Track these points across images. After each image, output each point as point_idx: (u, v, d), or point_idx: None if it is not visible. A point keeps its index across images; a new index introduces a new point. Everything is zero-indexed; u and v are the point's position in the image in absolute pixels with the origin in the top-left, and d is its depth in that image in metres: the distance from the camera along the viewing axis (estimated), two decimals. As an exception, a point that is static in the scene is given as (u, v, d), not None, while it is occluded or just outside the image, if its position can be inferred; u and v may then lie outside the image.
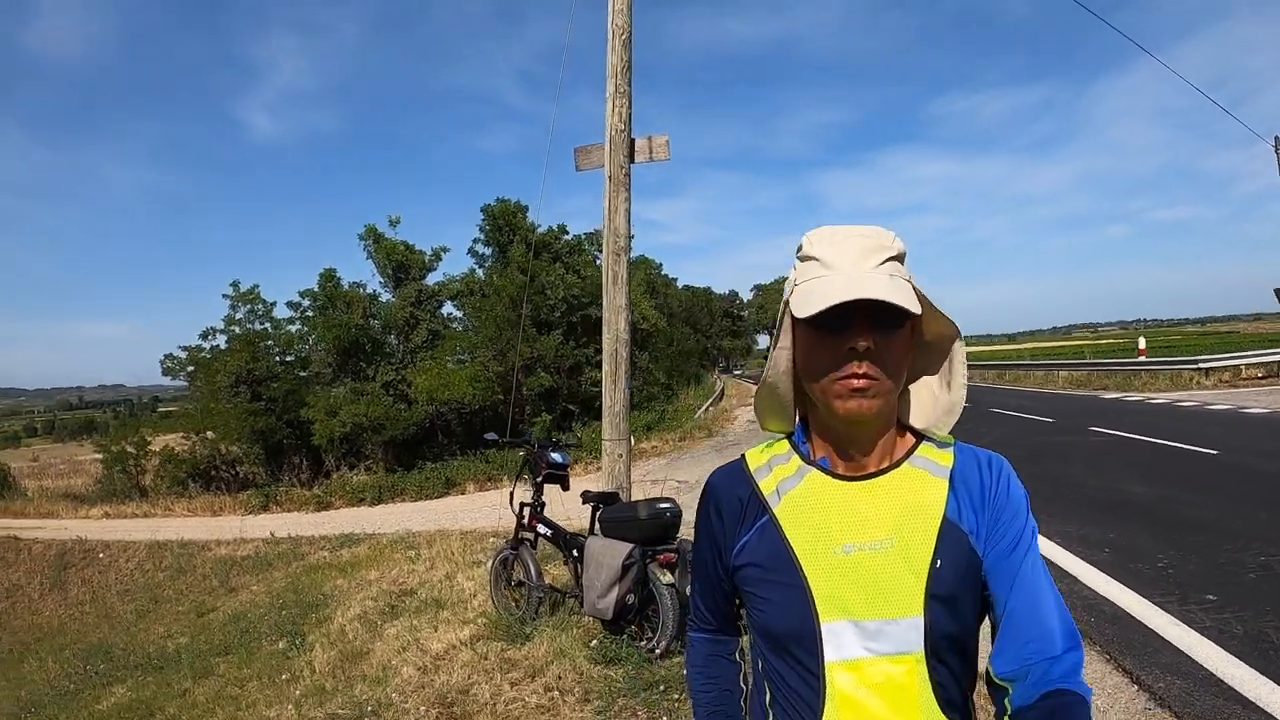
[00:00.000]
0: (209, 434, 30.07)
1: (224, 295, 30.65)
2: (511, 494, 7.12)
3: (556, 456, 6.93)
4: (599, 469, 8.36)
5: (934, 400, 1.43)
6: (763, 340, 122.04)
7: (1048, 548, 7.67)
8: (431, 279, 32.44)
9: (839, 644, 1.29)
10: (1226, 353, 26.14)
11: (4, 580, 20.05)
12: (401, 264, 31.49)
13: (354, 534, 15.92)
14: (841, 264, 1.30)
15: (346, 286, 31.22)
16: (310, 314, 31.13)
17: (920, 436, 1.42)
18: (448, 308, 33.17)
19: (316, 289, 31.02)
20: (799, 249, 1.38)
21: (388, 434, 27.74)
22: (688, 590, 1.60)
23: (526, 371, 26.48)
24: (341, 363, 29.81)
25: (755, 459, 1.45)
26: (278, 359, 30.91)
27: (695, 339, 70.36)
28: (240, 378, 28.73)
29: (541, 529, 6.92)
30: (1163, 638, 5.30)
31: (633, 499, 7.25)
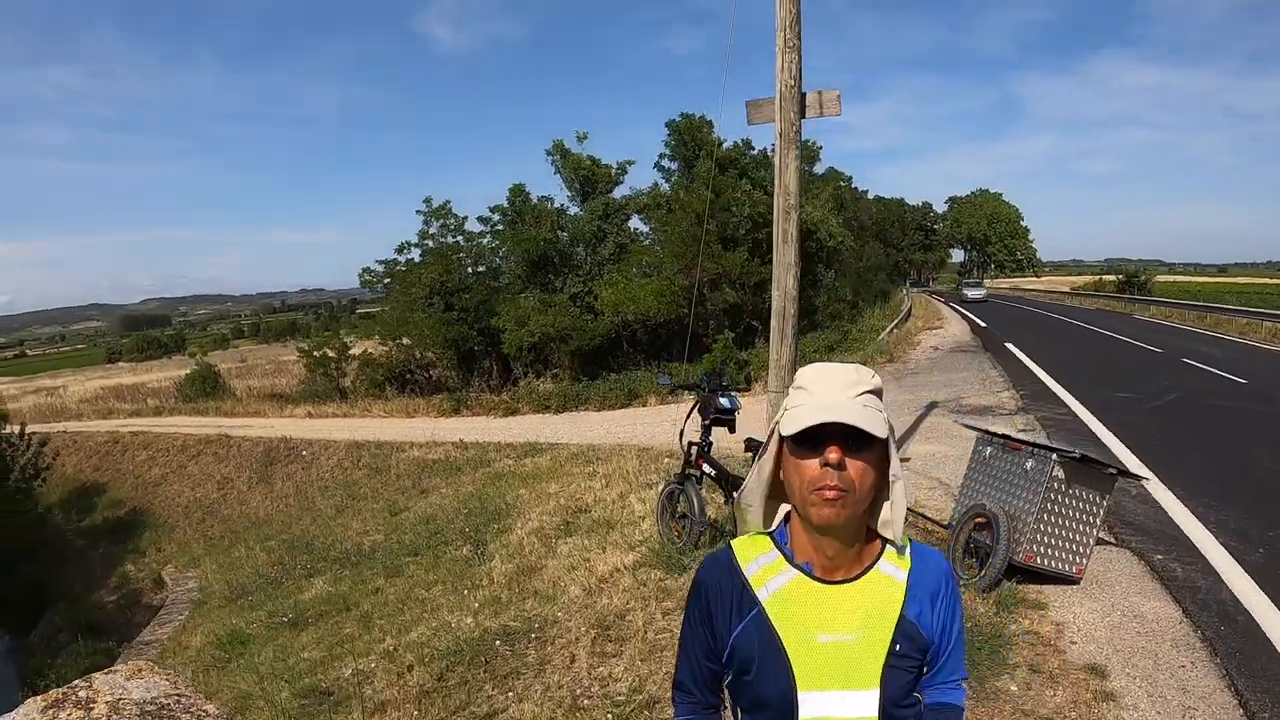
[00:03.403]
0: (404, 340, 31.54)
1: (417, 211, 31.79)
2: (681, 432, 7.30)
3: (725, 402, 7.11)
4: (766, 388, 8.54)
5: (892, 512, 1.67)
6: (956, 255, 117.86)
7: (1202, 538, 7.28)
8: (618, 193, 32.63)
9: (809, 707, 1.59)
10: None
11: (216, 474, 21.80)
12: (588, 178, 31.80)
13: (538, 443, 16.47)
14: (823, 393, 1.57)
15: (535, 201, 31.79)
16: (500, 228, 31.91)
17: (884, 543, 1.70)
18: (634, 221, 33.34)
19: (506, 204, 31.74)
20: (795, 382, 1.65)
21: (574, 344, 28.33)
22: None
23: (711, 287, 26.48)
24: (530, 274, 30.50)
25: (744, 556, 1.71)
26: (469, 270, 31.95)
27: (885, 253, 68.63)
28: (434, 289, 29.86)
29: (707, 469, 7.17)
30: None
31: None
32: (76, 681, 2.32)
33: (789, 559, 1.67)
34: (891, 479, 1.62)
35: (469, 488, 14.09)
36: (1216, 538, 7.27)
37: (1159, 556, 6.84)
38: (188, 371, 37.24)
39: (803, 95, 7.35)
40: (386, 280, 32.59)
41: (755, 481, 1.73)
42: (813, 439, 1.53)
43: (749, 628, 1.64)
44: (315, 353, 33.20)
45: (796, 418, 1.55)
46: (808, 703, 1.59)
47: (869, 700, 1.59)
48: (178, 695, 2.26)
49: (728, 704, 1.76)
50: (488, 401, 25.18)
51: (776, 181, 7.46)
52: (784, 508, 1.73)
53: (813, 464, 1.53)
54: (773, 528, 1.74)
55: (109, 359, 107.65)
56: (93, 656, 12.51)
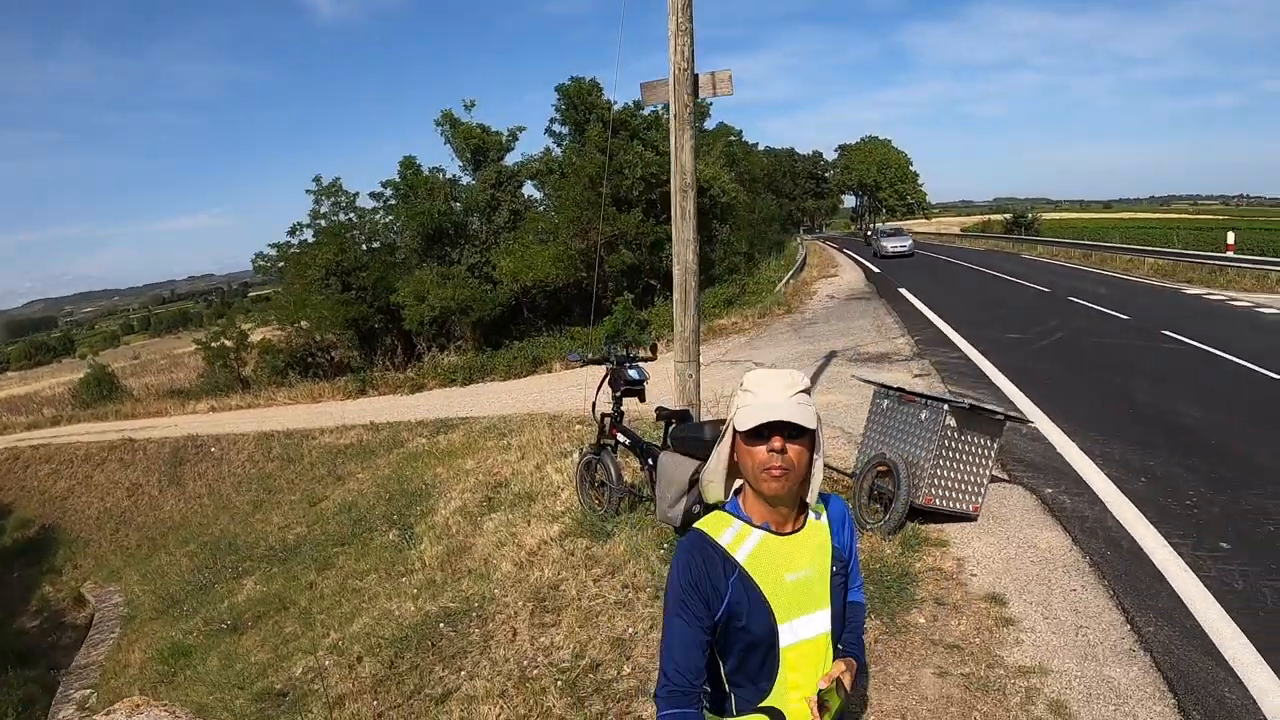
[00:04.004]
0: (303, 324, 31.05)
1: (308, 191, 31.15)
2: (594, 404, 7.55)
3: (634, 374, 7.37)
4: (670, 347, 8.85)
5: (812, 482, 2.13)
6: (848, 200, 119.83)
7: (1088, 470, 7.81)
8: (510, 159, 32.42)
9: (787, 635, 2.08)
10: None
11: (124, 480, 21.06)
12: (479, 147, 31.48)
13: (449, 419, 16.60)
14: (766, 395, 2.03)
15: (427, 173, 31.40)
16: (393, 203, 31.49)
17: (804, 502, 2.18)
18: (528, 188, 33.24)
19: (398, 178, 31.30)
20: (741, 385, 2.11)
21: (475, 315, 28.29)
22: None
23: (608, 249, 26.61)
24: (427, 248, 30.27)
25: (714, 531, 2.12)
26: (364, 248, 31.50)
27: (778, 204, 69.34)
28: (330, 270, 29.39)
29: (621, 438, 7.43)
30: (1167, 581, 5.47)
31: (702, 400, 7.90)
32: None
33: (750, 523, 2.11)
34: (815, 457, 2.08)
35: (386, 471, 14.16)
36: (1102, 469, 7.82)
37: (1049, 490, 7.36)
38: (82, 375, 35.76)
39: (695, 77, 7.58)
40: (280, 264, 31.88)
41: (716, 463, 2.18)
42: (761, 432, 1.99)
43: (736, 585, 2.05)
44: (213, 344, 32.35)
45: (748, 416, 2.01)
46: (785, 632, 2.08)
47: (824, 617, 2.14)
48: (183, 724, 2.37)
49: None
50: (393, 380, 25.09)
51: (673, 160, 7.68)
52: (736, 481, 2.18)
53: (761, 450, 2.00)
54: (726, 499, 2.20)
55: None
56: (25, 686, 12.09)
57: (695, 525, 2.16)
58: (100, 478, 21.62)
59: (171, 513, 19.10)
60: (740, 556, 2.07)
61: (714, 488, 2.22)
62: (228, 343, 32.09)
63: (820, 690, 2.08)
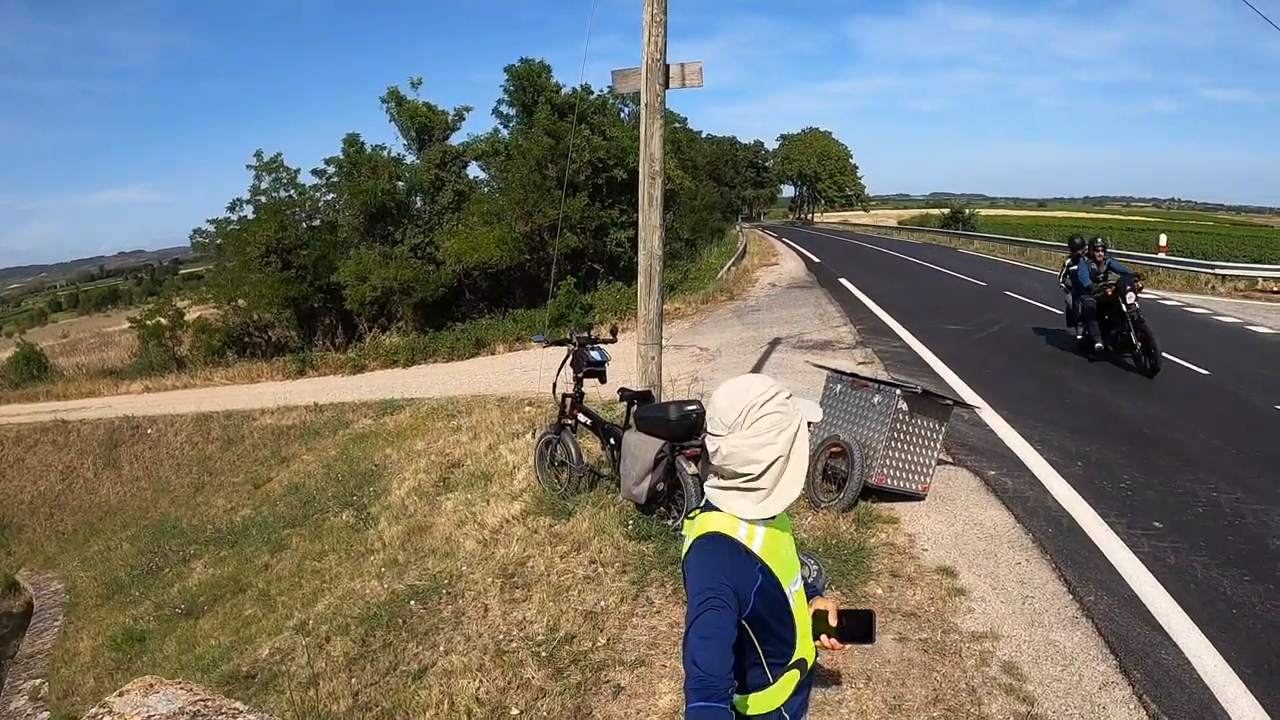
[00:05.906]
0: (240, 302, 30.58)
1: (248, 166, 30.60)
2: (554, 385, 7.68)
3: (596, 355, 7.52)
4: (624, 328, 9.00)
5: None
6: (787, 190, 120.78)
7: (1028, 455, 8.14)
8: (455, 139, 32.33)
9: (791, 596, 2.34)
10: (1246, 260, 26.63)
11: (57, 463, 20.42)
12: (425, 126, 31.33)
13: (394, 400, 16.57)
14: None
15: (370, 150, 31.11)
16: (336, 180, 31.09)
17: None
18: (473, 169, 33.09)
19: (341, 155, 30.94)
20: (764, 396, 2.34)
21: (417, 296, 28.18)
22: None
23: (553, 232, 26.77)
24: (369, 227, 30.00)
25: (733, 532, 2.28)
26: (305, 225, 31.11)
27: (719, 192, 69.77)
28: (270, 247, 29.00)
29: (582, 418, 7.58)
30: (1104, 555, 5.85)
31: (661, 385, 8.07)
32: (93, 710, 2.30)
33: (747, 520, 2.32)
34: None
35: (332, 452, 14.13)
36: (1041, 454, 8.14)
37: (992, 472, 7.68)
38: (10, 354, 34.76)
39: (667, 67, 7.74)
40: (219, 241, 31.37)
41: (800, 467, 2.45)
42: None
43: (762, 574, 2.26)
44: (148, 322, 31.68)
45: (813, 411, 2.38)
46: (790, 592, 2.34)
47: (800, 574, 2.47)
48: (204, 700, 2.37)
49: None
50: (334, 360, 24.91)
51: (642, 148, 7.84)
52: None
53: None
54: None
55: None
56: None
57: (710, 530, 2.28)
58: (32, 460, 20.93)
59: (108, 496, 18.67)
60: (756, 548, 2.26)
61: (797, 489, 2.35)
62: (163, 321, 31.46)
63: (832, 626, 2.46)
